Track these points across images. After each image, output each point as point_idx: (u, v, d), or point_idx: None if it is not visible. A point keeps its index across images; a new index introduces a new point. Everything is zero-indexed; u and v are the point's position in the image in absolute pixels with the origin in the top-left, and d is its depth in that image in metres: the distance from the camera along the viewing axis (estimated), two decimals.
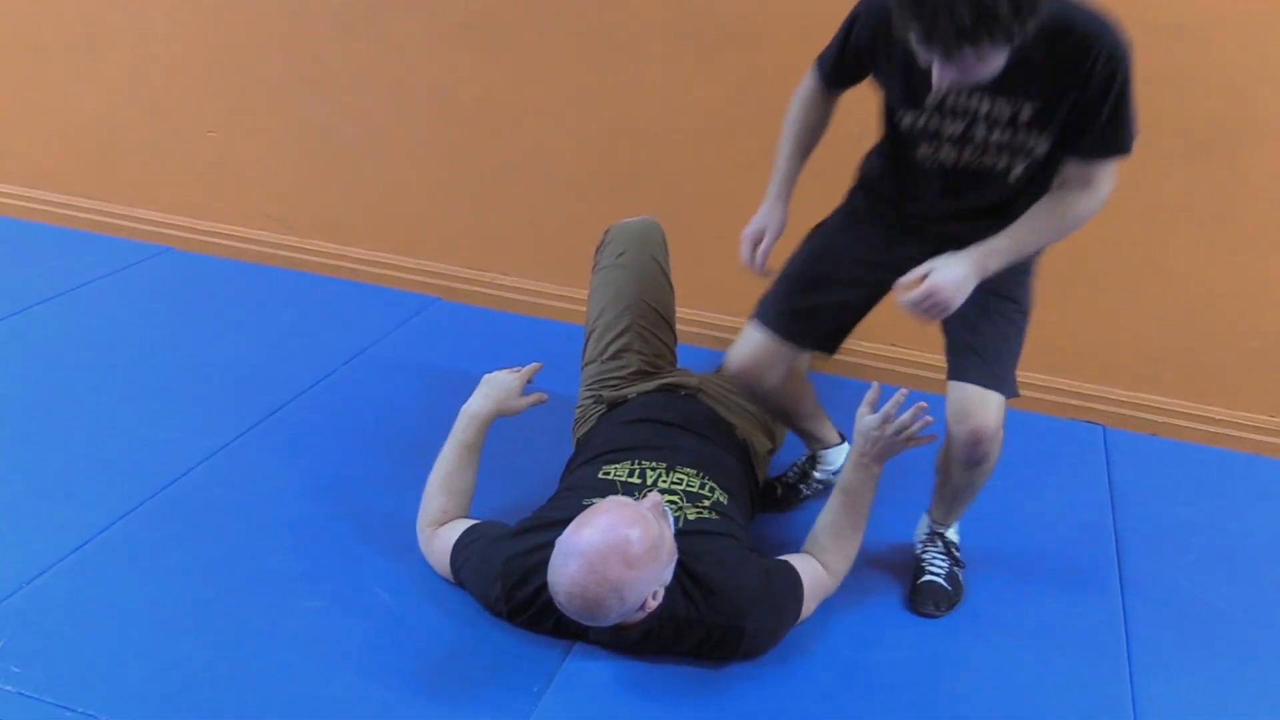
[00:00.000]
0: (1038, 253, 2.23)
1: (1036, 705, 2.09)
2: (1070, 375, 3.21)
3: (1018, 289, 2.25)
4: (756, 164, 3.27)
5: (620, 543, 1.92)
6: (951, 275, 2.03)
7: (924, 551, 2.40)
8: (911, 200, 2.27)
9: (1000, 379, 2.17)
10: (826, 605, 2.26)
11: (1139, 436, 3.12)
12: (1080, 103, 1.99)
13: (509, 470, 2.62)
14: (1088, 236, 3.03)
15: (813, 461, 2.61)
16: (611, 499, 2.07)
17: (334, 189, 3.79)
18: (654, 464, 2.31)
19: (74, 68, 3.94)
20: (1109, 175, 2.07)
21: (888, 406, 2.15)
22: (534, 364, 2.48)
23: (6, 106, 4.09)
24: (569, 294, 3.59)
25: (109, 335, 3.30)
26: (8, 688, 1.95)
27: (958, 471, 2.24)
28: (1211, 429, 3.12)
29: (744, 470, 2.46)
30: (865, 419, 2.19)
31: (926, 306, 2.03)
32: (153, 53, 3.81)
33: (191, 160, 3.92)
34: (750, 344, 2.36)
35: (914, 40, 1.81)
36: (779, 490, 2.63)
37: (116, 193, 4.06)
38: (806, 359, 2.51)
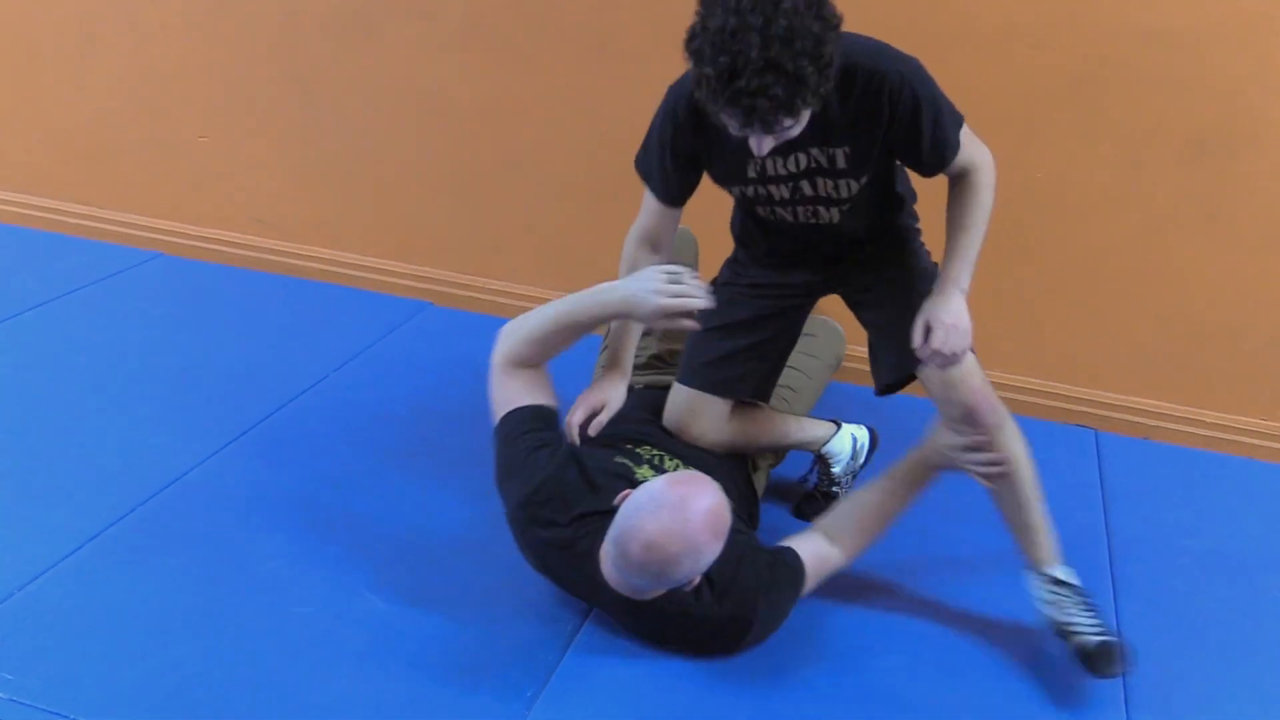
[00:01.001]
0: (914, 217, 2.38)
1: (1030, 708, 2.09)
2: (1062, 379, 3.22)
3: (909, 253, 2.35)
4: None
5: (717, 512, 1.95)
6: (946, 309, 2.08)
7: (1065, 614, 2.14)
8: (779, 245, 2.37)
9: None
10: (820, 610, 2.27)
11: (1131, 440, 3.12)
12: (898, 136, 2.06)
13: None
14: (1080, 240, 3.06)
15: (824, 464, 2.60)
16: (700, 473, 2.08)
17: (326, 194, 3.78)
18: (658, 451, 2.32)
19: (66, 73, 3.93)
20: (970, 147, 2.10)
21: (970, 442, 2.15)
22: (701, 298, 2.10)
23: None
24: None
25: (101, 341, 3.29)
26: (0, 694, 1.94)
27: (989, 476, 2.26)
28: (1204, 432, 3.13)
29: (740, 479, 2.45)
30: (947, 437, 2.18)
31: (949, 345, 2.06)
32: (145, 58, 3.81)
33: (183, 165, 3.91)
34: (677, 402, 2.43)
35: (731, 124, 1.86)
36: (819, 498, 2.62)
37: (108, 198, 4.05)
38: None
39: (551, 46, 3.34)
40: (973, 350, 2.18)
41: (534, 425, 2.22)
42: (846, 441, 2.58)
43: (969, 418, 2.13)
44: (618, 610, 2.13)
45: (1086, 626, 2.10)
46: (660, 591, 2.02)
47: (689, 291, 2.07)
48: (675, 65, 3.27)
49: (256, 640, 2.12)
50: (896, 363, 2.29)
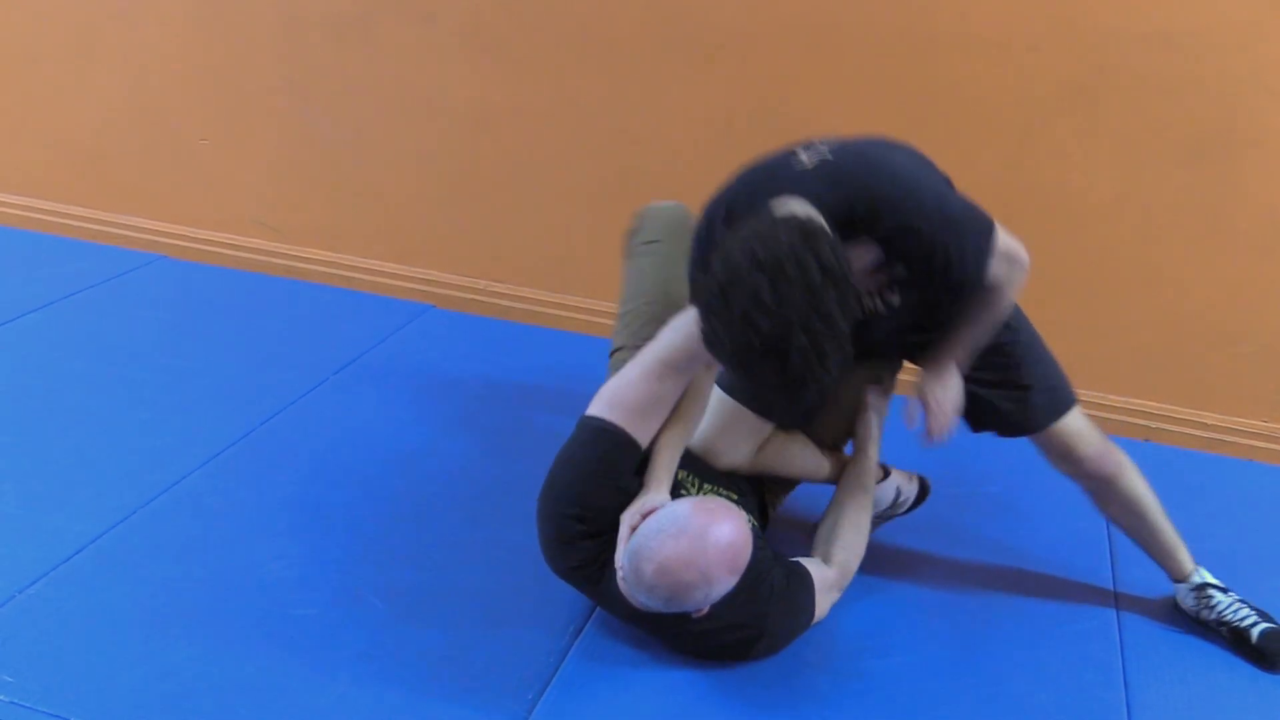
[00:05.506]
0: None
1: (1030, 711, 2.09)
2: None
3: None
4: None
5: (738, 547, 1.93)
6: (938, 388, 2.10)
7: (1222, 613, 2.27)
8: None
9: (1054, 392, 2.22)
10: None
11: (1132, 442, 3.11)
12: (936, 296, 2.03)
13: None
14: (1080, 243, 3.06)
15: None
16: (730, 504, 2.04)
17: (327, 197, 3.79)
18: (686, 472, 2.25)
19: (67, 77, 3.93)
20: (1001, 264, 1.97)
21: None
22: None
23: (1, 115, 4.09)
24: (561, 300, 3.59)
25: (102, 343, 3.29)
26: (1, 697, 1.94)
27: (1117, 513, 2.30)
28: (1205, 434, 3.13)
29: (758, 499, 2.40)
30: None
31: (942, 422, 2.10)
32: (146, 61, 3.81)
33: (184, 168, 3.91)
34: (716, 413, 2.26)
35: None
36: None
37: (109, 201, 4.06)
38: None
39: (551, 50, 3.35)
40: (1065, 408, 2.21)
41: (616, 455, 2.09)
42: (889, 492, 2.46)
43: (1091, 474, 2.23)
44: (624, 614, 2.12)
45: (1252, 618, 2.23)
46: (668, 612, 2.00)
47: None
48: (673, 68, 3.30)
49: (257, 643, 2.12)
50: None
